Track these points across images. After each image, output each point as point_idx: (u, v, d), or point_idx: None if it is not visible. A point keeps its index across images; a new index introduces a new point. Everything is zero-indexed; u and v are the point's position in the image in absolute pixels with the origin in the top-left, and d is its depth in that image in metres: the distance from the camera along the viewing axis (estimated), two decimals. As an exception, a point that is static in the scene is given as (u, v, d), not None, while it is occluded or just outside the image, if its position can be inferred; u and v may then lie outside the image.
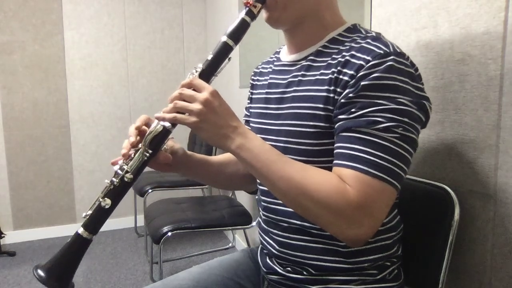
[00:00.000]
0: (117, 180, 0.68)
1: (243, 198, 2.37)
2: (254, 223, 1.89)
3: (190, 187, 2.65)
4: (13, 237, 2.73)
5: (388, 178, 0.59)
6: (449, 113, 0.85)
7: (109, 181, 0.68)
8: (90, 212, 0.68)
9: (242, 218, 1.91)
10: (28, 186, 2.77)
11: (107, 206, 0.67)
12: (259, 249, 0.88)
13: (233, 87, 2.49)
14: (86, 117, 2.87)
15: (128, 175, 0.68)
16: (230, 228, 2.02)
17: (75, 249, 0.67)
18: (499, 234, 0.76)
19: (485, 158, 0.78)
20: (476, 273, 0.81)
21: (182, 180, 2.55)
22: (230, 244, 2.69)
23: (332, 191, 0.59)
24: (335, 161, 0.64)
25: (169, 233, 1.69)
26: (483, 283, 0.80)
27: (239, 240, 2.61)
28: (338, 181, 0.60)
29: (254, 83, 0.92)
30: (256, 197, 0.88)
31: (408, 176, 0.88)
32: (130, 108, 2.98)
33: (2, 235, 2.57)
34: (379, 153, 0.59)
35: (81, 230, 0.67)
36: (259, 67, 0.93)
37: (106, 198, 0.67)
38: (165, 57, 3.04)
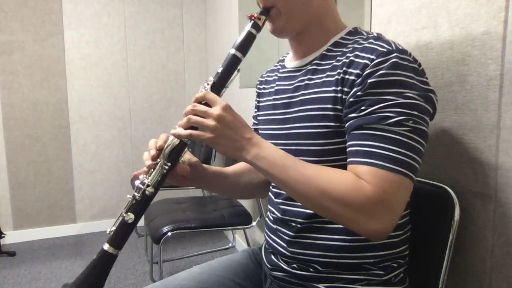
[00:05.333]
0: (139, 195, 0.70)
1: (243, 198, 2.36)
2: (254, 223, 1.89)
3: (190, 187, 2.65)
4: (13, 237, 2.73)
5: (404, 171, 0.60)
6: (449, 113, 0.85)
7: (131, 196, 0.70)
8: (114, 228, 0.70)
9: (242, 218, 1.91)
10: (28, 186, 2.77)
11: (130, 221, 0.69)
12: (263, 247, 0.88)
13: (233, 87, 2.48)
14: (86, 117, 2.87)
15: (149, 189, 0.70)
16: (230, 228, 2.01)
17: (102, 265, 0.69)
18: (499, 234, 0.76)
19: (485, 158, 0.78)
20: (476, 273, 0.81)
21: (182, 180, 2.55)
22: (230, 244, 2.69)
23: (350, 188, 0.60)
24: (349, 159, 0.65)
25: (169, 233, 1.69)
26: (483, 283, 0.80)
27: (239, 240, 2.61)
28: (354, 178, 0.61)
29: (261, 91, 0.94)
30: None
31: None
32: (130, 108, 2.98)
33: (2, 235, 2.57)
34: (393, 147, 0.60)
35: (106, 246, 0.69)
36: (264, 75, 0.95)
37: (129, 213, 0.70)
38: (165, 57, 3.04)
